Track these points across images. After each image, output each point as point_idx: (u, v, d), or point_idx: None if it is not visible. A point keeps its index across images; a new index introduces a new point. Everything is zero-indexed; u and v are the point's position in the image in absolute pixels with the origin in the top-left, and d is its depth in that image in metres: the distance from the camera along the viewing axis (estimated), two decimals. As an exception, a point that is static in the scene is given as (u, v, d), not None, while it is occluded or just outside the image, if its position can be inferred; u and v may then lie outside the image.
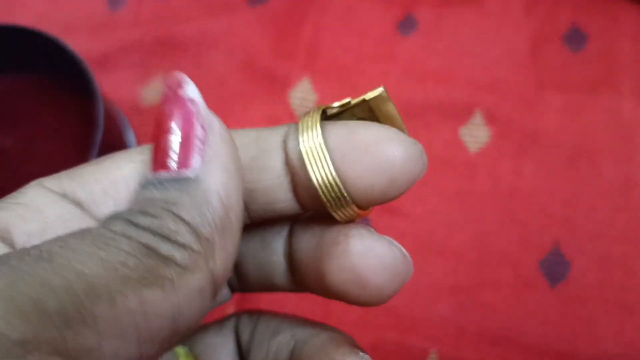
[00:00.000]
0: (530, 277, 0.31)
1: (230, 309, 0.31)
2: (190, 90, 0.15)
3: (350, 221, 0.16)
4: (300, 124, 0.16)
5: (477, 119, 0.34)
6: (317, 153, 0.15)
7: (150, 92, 0.37)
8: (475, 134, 0.34)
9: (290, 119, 0.35)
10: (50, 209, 0.15)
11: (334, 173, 0.15)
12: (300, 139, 0.16)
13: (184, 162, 0.14)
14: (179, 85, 0.15)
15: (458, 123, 0.34)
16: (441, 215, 0.33)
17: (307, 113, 0.16)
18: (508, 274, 0.31)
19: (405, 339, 0.31)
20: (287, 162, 0.16)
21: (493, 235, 0.32)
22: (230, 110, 0.36)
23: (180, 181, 0.14)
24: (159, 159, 0.14)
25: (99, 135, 0.30)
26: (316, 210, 0.17)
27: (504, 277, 0.31)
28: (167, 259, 0.13)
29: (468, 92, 0.35)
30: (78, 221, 0.15)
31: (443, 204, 0.33)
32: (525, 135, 0.34)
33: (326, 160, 0.15)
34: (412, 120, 0.35)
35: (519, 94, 0.35)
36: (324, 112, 0.16)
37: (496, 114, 0.34)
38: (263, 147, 0.16)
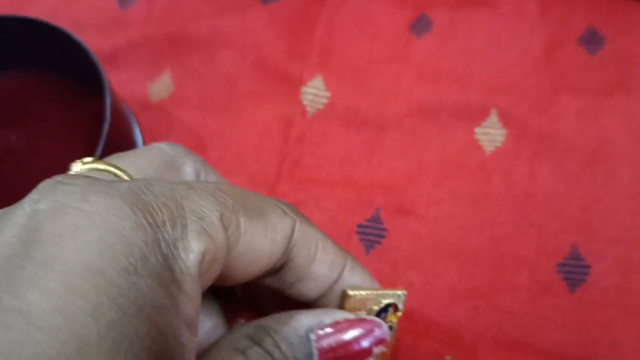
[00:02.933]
0: (548, 281, 0.30)
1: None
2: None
3: None
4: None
5: (493, 119, 0.34)
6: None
7: (158, 89, 0.37)
8: (491, 134, 0.33)
9: (302, 117, 0.35)
10: None
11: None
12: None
13: None
14: (377, 343, 0.18)
15: (473, 123, 0.34)
16: (456, 217, 0.32)
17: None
18: (525, 278, 0.31)
19: (421, 344, 0.30)
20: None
21: (509, 238, 0.31)
22: (242, 109, 0.35)
23: None
24: None
25: (106, 127, 0.29)
26: None
27: (521, 281, 0.31)
28: None
29: (483, 94, 0.34)
30: None
31: (458, 206, 0.32)
32: (542, 138, 0.33)
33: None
34: (426, 121, 0.34)
35: (534, 96, 0.34)
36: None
37: (512, 116, 0.34)
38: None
